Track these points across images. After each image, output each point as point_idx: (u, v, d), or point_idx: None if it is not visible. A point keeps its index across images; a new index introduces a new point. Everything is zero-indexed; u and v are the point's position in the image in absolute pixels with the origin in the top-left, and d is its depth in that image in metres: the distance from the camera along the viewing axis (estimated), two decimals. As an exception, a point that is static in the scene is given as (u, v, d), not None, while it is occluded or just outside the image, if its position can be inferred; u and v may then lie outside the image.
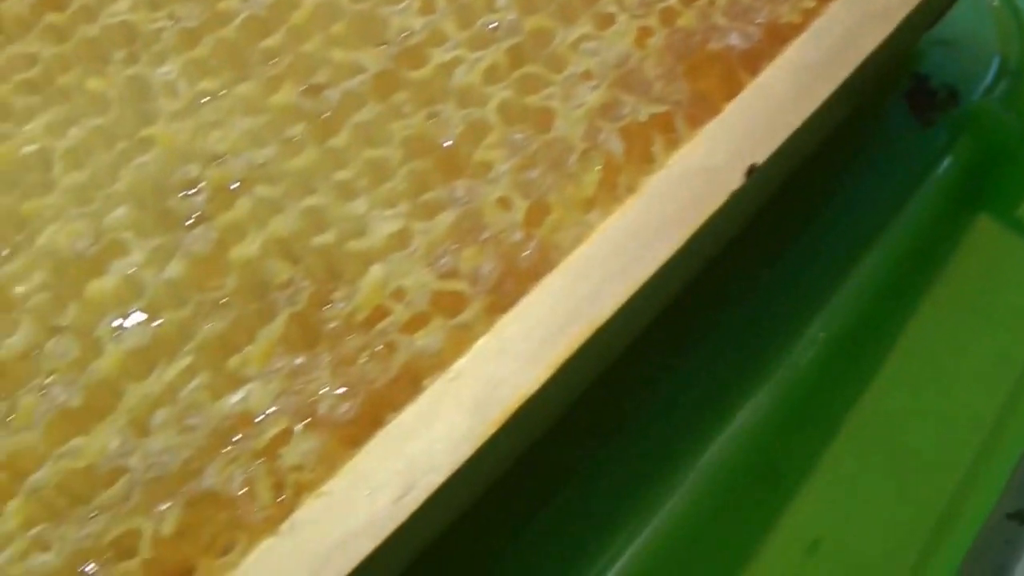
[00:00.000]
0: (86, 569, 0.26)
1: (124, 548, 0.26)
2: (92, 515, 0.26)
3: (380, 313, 0.28)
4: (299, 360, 0.27)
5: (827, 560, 0.31)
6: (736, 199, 0.29)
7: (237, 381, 0.27)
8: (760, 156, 0.29)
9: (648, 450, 0.32)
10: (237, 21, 0.32)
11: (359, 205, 0.29)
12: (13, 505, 0.27)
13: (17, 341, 0.28)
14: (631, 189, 0.29)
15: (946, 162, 0.36)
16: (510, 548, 0.31)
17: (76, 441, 0.27)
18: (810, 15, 0.33)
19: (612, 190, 0.29)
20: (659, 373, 0.32)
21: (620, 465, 0.32)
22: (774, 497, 0.31)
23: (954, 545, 0.30)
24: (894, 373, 0.32)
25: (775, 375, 0.32)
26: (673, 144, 0.29)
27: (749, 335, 0.33)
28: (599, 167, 0.29)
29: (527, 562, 0.31)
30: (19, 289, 0.29)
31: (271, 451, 0.26)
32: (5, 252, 0.29)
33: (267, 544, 0.26)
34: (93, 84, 0.31)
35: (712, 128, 0.30)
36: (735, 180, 0.29)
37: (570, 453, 0.32)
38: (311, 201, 0.29)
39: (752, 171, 0.29)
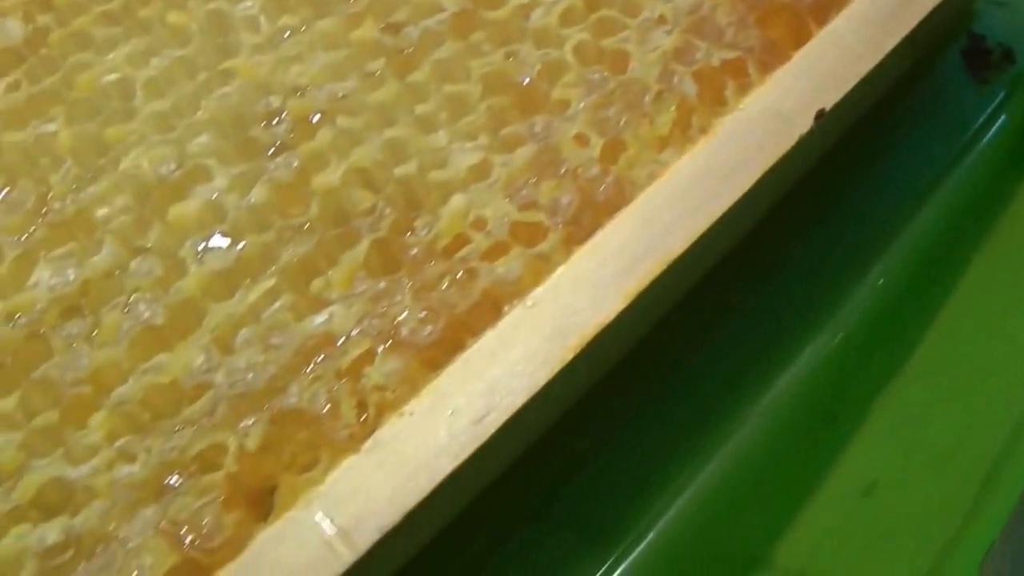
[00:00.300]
0: (171, 481, 0.26)
1: (209, 462, 0.26)
2: (177, 429, 0.26)
3: (461, 241, 0.28)
4: (381, 284, 0.28)
5: (883, 503, 0.31)
6: (804, 142, 0.30)
7: (320, 303, 0.27)
8: (828, 102, 0.30)
9: (709, 391, 0.32)
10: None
11: (440, 138, 0.29)
12: (98, 418, 0.27)
13: (101, 260, 0.28)
14: (704, 130, 0.29)
15: (1000, 120, 0.36)
16: (575, 480, 0.32)
17: (160, 357, 0.27)
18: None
19: (686, 130, 0.29)
20: (721, 314, 0.33)
21: (680, 406, 0.32)
22: (831, 439, 0.32)
23: (1010, 489, 0.30)
24: (951, 320, 0.32)
25: (836, 318, 0.32)
26: (745, 88, 0.30)
27: (810, 280, 0.33)
28: (673, 108, 0.30)
29: (592, 494, 0.31)
30: (102, 211, 0.29)
31: (354, 371, 0.27)
32: (88, 176, 0.29)
33: (350, 462, 0.26)
34: (173, 18, 0.31)
35: (782, 74, 0.30)
36: (804, 124, 0.29)
37: (633, 392, 0.32)
38: (392, 133, 0.29)
39: (820, 116, 0.29)
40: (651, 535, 0.31)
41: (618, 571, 0.31)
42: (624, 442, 0.32)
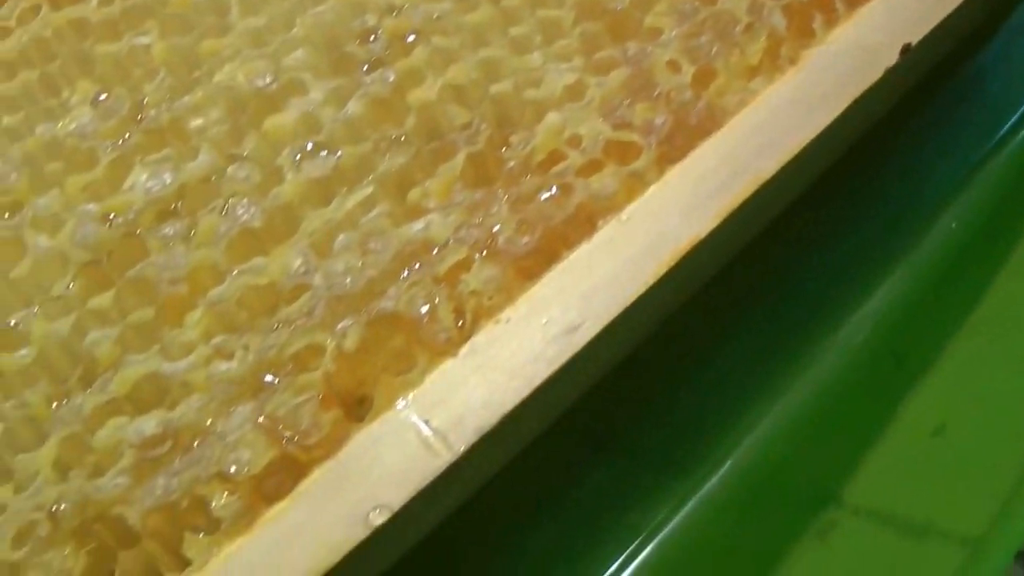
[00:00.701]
0: (268, 379, 0.26)
1: (306, 361, 0.26)
2: (275, 328, 0.26)
3: (556, 157, 0.28)
4: (478, 195, 0.27)
5: (952, 444, 0.32)
6: (889, 76, 0.30)
7: (418, 212, 0.27)
8: (915, 37, 0.30)
9: (783, 328, 0.32)
10: None
11: (534, 59, 0.29)
12: (194, 316, 0.27)
13: (197, 166, 0.28)
14: (792, 61, 0.30)
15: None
16: (650, 411, 0.32)
17: (257, 260, 0.27)
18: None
19: (775, 60, 0.30)
20: (796, 253, 0.33)
21: (753, 343, 0.32)
22: (902, 379, 0.32)
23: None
24: (1021, 264, 0.33)
25: (908, 261, 0.32)
26: (832, 22, 0.30)
27: (886, 222, 0.33)
28: (763, 39, 0.30)
29: (666, 427, 0.31)
30: (197, 122, 0.29)
31: (451, 277, 0.27)
32: (182, 87, 0.29)
33: (447, 366, 0.26)
34: (267, -62, 0.32)
35: (870, 8, 0.30)
36: (890, 58, 0.30)
37: (706, 328, 0.32)
38: (486, 53, 0.29)
39: (907, 50, 0.30)
40: (724, 468, 0.31)
41: (689, 505, 0.31)
42: (696, 377, 0.32)
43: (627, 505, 0.30)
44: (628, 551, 0.30)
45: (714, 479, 0.31)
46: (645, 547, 0.30)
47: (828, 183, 0.31)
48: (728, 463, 0.31)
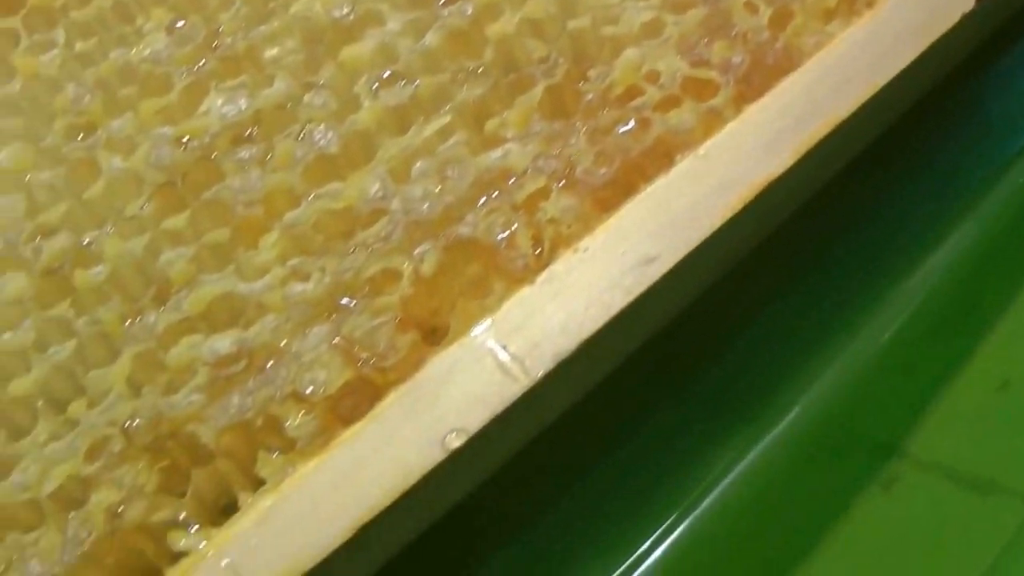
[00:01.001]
0: (345, 301, 0.26)
1: (383, 285, 0.25)
2: (352, 251, 0.26)
3: (634, 92, 0.28)
4: (556, 127, 0.27)
5: (1017, 400, 0.31)
6: (965, 23, 0.30)
7: (496, 141, 0.27)
8: (993, -15, 0.30)
9: (850, 276, 0.32)
10: None
11: (612, -4, 0.29)
12: (270, 239, 0.26)
13: (273, 92, 0.28)
14: (869, 5, 0.29)
15: None
16: (724, 358, 0.31)
17: (334, 185, 0.27)
18: None
19: (852, 4, 0.29)
20: (866, 201, 0.33)
21: (819, 292, 0.32)
22: (967, 334, 0.31)
23: None
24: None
25: (978, 212, 0.32)
26: (910, -31, 0.30)
27: (955, 174, 0.33)
28: (841, -18, 0.30)
29: (735, 373, 0.31)
30: (272, 51, 0.28)
31: (530, 205, 0.26)
32: (258, 16, 0.29)
33: (524, 292, 0.25)
34: None
35: (948, -44, 0.30)
36: (967, 3, 0.30)
37: (772, 274, 0.32)
38: (564, -11, 0.29)
39: (983, -2, 0.30)
40: (790, 416, 0.30)
41: (753, 452, 0.30)
42: (763, 324, 0.32)
43: (692, 451, 0.30)
44: (691, 498, 0.30)
45: (780, 427, 0.30)
46: (709, 494, 0.30)
47: (900, 130, 0.31)
48: (794, 411, 0.30)
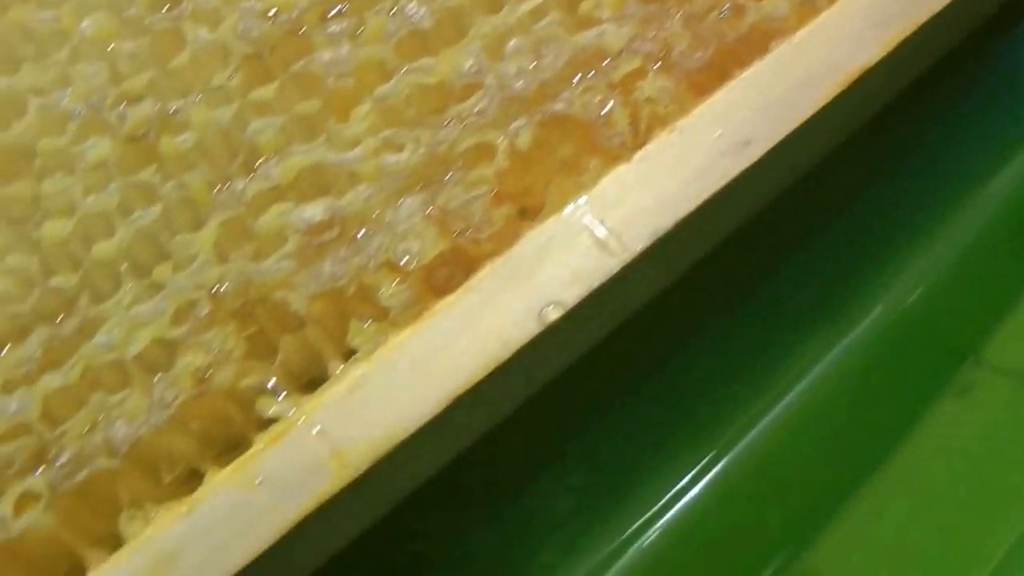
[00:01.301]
0: (439, 173, 0.25)
1: (478, 158, 0.25)
2: (446, 124, 0.25)
3: (729, -22, 0.28)
4: (651, 9, 0.26)
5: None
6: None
7: (591, 21, 0.26)
8: None
9: (929, 181, 0.31)
10: None
11: None
12: (361, 111, 0.25)
13: (364, -32, 0.27)
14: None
15: None
16: (795, 260, 0.31)
17: (426, 60, 0.26)
18: None
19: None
20: (946, 106, 0.32)
21: (897, 195, 0.31)
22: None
23: None
24: None
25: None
26: None
27: (1014, 90, 0.33)
28: None
29: (810, 277, 0.30)
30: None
31: (627, 84, 0.25)
32: None
33: (621, 169, 0.25)
34: None
35: None
36: None
37: (850, 177, 0.31)
38: None
39: None
40: (865, 322, 0.30)
41: (828, 357, 0.30)
42: (837, 228, 0.31)
43: (767, 355, 0.29)
44: (766, 400, 0.29)
45: (856, 331, 0.30)
46: (784, 397, 0.29)
47: (969, 47, 0.31)
48: (871, 316, 0.30)
